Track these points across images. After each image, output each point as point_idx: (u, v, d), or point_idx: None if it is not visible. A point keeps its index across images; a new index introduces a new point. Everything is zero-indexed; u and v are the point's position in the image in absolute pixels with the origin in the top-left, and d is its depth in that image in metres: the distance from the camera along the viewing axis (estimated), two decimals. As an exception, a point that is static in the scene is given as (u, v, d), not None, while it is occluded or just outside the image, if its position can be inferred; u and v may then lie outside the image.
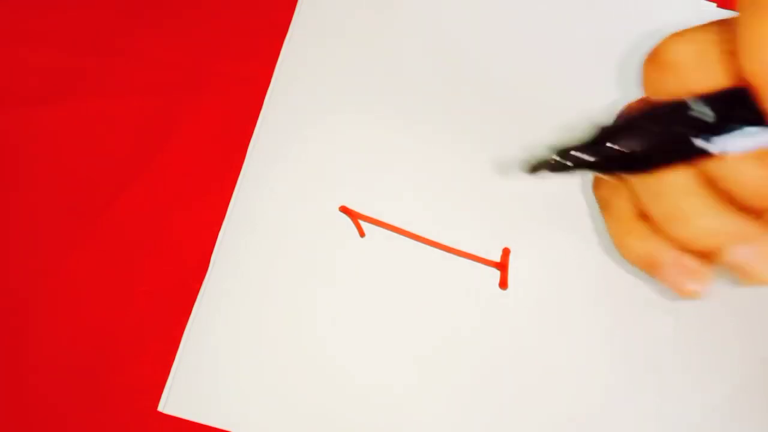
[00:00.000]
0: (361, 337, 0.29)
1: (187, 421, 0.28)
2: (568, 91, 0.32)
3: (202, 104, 0.32)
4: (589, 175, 0.21)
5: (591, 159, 0.19)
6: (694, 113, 0.18)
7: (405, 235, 0.30)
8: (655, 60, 0.19)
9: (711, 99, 0.18)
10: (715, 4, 0.33)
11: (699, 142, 0.18)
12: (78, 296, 0.30)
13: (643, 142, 0.19)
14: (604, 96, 0.32)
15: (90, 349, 0.29)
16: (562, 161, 0.20)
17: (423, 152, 0.31)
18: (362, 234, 0.30)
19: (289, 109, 0.32)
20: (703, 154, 0.18)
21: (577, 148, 0.19)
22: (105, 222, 0.31)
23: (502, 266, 0.29)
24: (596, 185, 0.22)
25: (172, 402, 0.28)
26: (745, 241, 0.19)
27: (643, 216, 0.21)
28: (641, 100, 0.20)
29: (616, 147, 0.19)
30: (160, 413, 0.28)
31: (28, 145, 0.32)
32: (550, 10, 0.33)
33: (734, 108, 0.18)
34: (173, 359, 0.29)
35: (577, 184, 0.30)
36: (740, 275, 0.20)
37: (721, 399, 0.28)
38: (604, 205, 0.22)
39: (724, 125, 0.18)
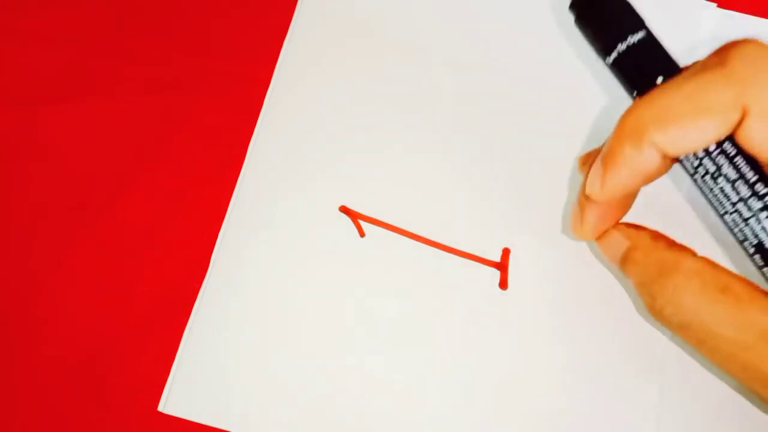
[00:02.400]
0: (360, 337, 0.29)
1: (187, 420, 0.28)
2: (566, 91, 0.32)
3: (202, 104, 0.32)
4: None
5: None
6: None
7: (405, 235, 0.30)
8: None
9: None
10: (715, 4, 0.33)
11: None
12: (78, 296, 0.30)
13: None
14: (599, 98, 0.32)
15: (90, 349, 0.29)
16: None
17: (423, 152, 0.31)
18: (362, 234, 0.30)
19: (288, 109, 0.32)
20: None
21: None
22: (105, 222, 0.31)
23: (502, 266, 0.29)
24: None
25: (172, 402, 0.28)
26: None
27: None
28: None
29: None
30: (160, 413, 0.28)
31: (29, 145, 0.32)
32: (548, 10, 0.33)
33: None
34: (173, 359, 0.29)
35: (577, 185, 0.30)
36: None
37: (722, 399, 0.28)
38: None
39: None
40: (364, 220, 0.30)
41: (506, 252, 0.30)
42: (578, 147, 0.31)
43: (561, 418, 0.28)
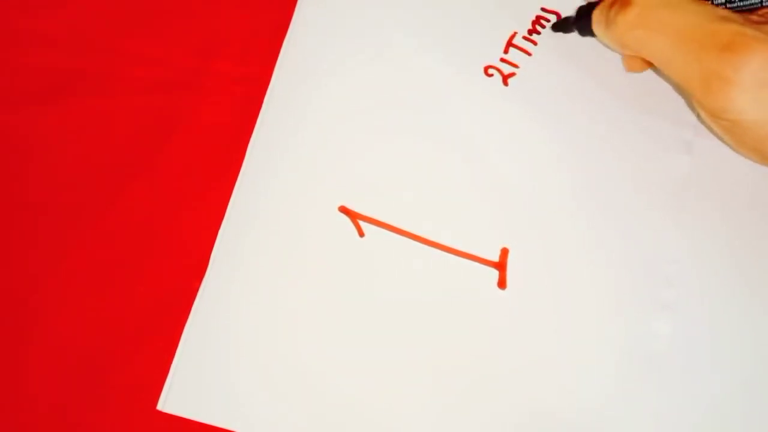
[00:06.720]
0: (359, 337, 0.29)
1: (186, 419, 0.28)
2: (565, 90, 0.32)
3: (202, 104, 0.32)
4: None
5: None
6: None
7: (404, 235, 0.30)
8: None
9: None
10: None
11: None
12: (78, 295, 0.30)
13: None
14: (597, 97, 0.32)
15: (90, 348, 0.29)
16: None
17: (422, 153, 0.31)
18: (361, 234, 0.30)
19: (288, 109, 0.32)
20: None
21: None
22: (105, 222, 0.31)
23: (500, 266, 0.29)
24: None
25: (172, 400, 0.28)
26: None
27: None
28: None
29: None
30: (160, 412, 0.28)
31: (28, 145, 0.32)
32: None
33: None
34: (173, 358, 0.29)
35: (576, 183, 0.31)
36: None
37: (721, 398, 0.28)
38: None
39: None
40: (364, 220, 0.30)
41: (505, 252, 0.30)
42: (577, 147, 0.31)
43: (560, 418, 0.28)
